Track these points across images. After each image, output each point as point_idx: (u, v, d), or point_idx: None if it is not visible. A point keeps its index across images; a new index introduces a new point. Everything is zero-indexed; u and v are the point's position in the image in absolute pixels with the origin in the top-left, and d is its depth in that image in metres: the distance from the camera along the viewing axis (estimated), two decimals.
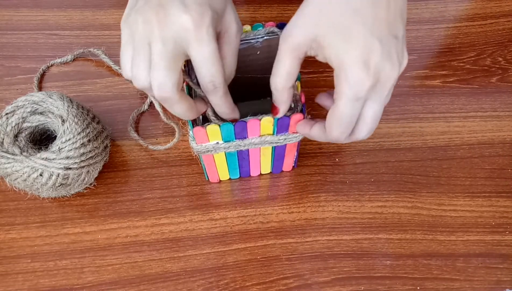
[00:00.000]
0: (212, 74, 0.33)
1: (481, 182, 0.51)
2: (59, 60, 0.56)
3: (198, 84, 0.41)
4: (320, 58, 0.34)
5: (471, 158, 0.52)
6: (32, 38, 0.58)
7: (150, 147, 0.51)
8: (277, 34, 0.43)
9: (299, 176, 0.51)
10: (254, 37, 0.43)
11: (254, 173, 0.50)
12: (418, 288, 0.45)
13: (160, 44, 0.32)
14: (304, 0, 0.33)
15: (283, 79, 0.35)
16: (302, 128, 0.39)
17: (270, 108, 0.39)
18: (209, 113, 0.39)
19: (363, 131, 0.35)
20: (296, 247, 0.47)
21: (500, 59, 0.59)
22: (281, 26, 0.44)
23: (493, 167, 0.52)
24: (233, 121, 0.39)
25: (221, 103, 0.36)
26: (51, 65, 0.56)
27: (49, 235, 0.47)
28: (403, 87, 0.56)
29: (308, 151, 0.52)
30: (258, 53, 0.45)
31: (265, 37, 0.44)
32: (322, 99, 0.39)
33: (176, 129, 0.46)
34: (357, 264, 0.46)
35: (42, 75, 0.56)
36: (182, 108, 0.35)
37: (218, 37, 0.35)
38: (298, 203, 0.49)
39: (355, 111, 0.33)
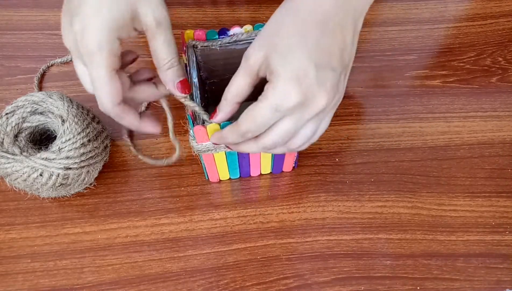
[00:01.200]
0: (98, 96, 0.36)
1: (481, 182, 0.51)
2: (59, 60, 0.56)
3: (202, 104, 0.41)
4: (268, 79, 0.34)
5: (471, 158, 0.52)
6: (32, 38, 0.58)
7: (140, 157, 0.49)
8: None
9: (299, 176, 0.51)
10: (255, 36, 0.43)
11: (254, 172, 0.50)
12: (418, 288, 0.45)
13: (81, 66, 0.36)
14: (269, 19, 0.35)
15: (233, 93, 0.36)
16: (216, 136, 0.39)
17: None
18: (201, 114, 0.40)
19: (269, 140, 0.36)
20: (296, 247, 0.47)
21: (500, 59, 0.59)
22: None
23: (493, 167, 0.52)
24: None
25: (121, 121, 0.38)
26: (51, 65, 0.56)
27: (49, 235, 0.47)
28: (403, 87, 0.56)
29: (308, 151, 0.52)
30: None
31: None
32: None
33: (177, 148, 0.46)
34: (357, 264, 0.46)
35: (42, 75, 0.56)
36: (124, 121, 0.38)
37: (146, 34, 0.36)
38: (298, 203, 0.49)
39: (271, 119, 0.34)
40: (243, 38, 0.43)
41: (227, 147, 0.40)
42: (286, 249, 0.47)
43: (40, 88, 0.55)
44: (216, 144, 0.40)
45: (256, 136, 0.36)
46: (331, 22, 0.33)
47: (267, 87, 0.33)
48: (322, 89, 0.33)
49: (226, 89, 0.37)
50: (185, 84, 0.38)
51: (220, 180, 0.50)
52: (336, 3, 0.33)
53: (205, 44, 0.43)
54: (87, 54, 0.34)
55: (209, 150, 0.42)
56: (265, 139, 0.36)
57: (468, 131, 0.54)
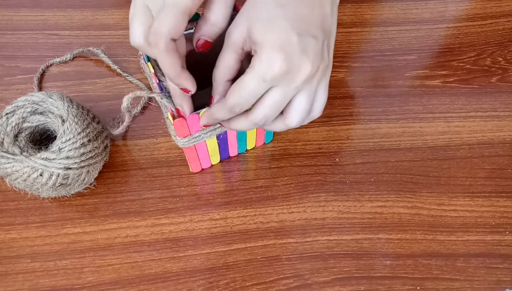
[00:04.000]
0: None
1: (481, 182, 0.51)
2: (58, 59, 0.56)
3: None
4: (252, 52, 0.35)
5: (471, 158, 0.52)
6: (32, 38, 0.58)
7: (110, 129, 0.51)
8: None
9: (299, 176, 0.51)
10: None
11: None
12: (418, 288, 0.46)
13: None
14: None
15: (221, 72, 0.37)
16: (205, 116, 0.39)
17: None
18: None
19: (259, 114, 0.36)
20: (296, 247, 0.47)
21: (500, 59, 0.59)
22: None
23: (493, 167, 0.52)
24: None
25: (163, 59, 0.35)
26: (51, 65, 0.56)
27: (49, 235, 0.47)
28: (403, 87, 0.56)
29: (308, 150, 0.52)
30: None
31: None
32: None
33: (126, 117, 0.47)
34: (357, 264, 0.46)
35: (42, 75, 0.56)
36: (168, 60, 0.34)
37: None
38: (298, 203, 0.49)
39: (258, 90, 0.34)
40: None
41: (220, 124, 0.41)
42: (286, 249, 0.47)
43: (40, 88, 0.55)
44: (207, 126, 0.41)
45: (247, 111, 0.37)
46: None
47: (253, 59, 0.34)
48: (305, 56, 0.34)
49: (214, 70, 0.37)
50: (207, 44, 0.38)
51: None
52: None
53: None
54: None
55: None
56: (256, 113, 0.36)
57: (468, 131, 0.54)
